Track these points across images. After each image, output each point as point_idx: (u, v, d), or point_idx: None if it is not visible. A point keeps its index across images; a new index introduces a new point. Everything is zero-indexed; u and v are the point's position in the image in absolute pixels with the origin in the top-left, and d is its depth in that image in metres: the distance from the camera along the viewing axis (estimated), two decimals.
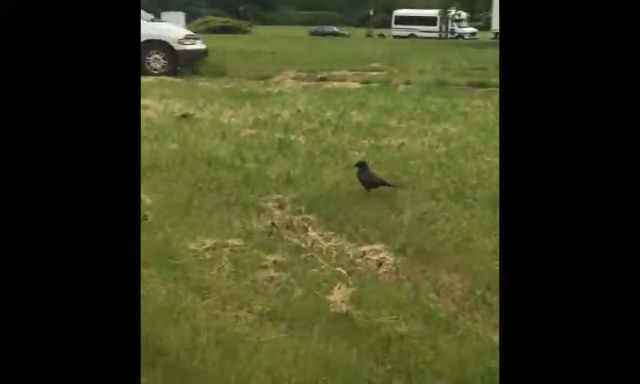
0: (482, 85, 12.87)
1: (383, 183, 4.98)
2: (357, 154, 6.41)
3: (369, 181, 4.95)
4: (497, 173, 4.09)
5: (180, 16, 67.68)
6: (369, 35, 56.53)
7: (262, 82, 13.32)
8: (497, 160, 5.03)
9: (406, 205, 4.62)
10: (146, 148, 6.03)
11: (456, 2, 40.40)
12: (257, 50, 25.95)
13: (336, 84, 13.49)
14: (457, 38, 48.96)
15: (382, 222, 4.27)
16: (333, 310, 3.05)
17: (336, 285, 3.31)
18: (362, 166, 5.06)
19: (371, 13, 69.48)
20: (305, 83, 13.59)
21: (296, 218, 4.26)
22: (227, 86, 11.99)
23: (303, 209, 4.44)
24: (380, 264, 3.59)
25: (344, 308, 3.05)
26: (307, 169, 5.62)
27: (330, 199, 4.73)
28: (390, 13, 57.72)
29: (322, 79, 14.06)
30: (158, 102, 9.59)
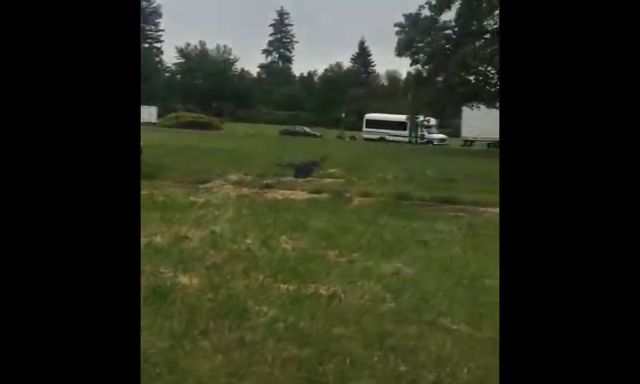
0: (448, 200, 11.16)
1: None
2: (265, 310, 4.43)
3: None
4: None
5: (152, 110, 67.19)
6: (339, 137, 56.14)
7: (194, 187, 11.42)
8: (469, 328, 4.13)
9: None
10: None
11: (425, 109, 40.04)
12: (215, 148, 24.40)
13: (283, 192, 11.66)
14: (426, 143, 48.57)
15: None
16: None
17: None
18: None
19: (343, 115, 69.80)
20: (245, 190, 11.73)
21: None
22: (143, 192, 10.02)
23: None
24: None
25: None
26: (165, 353, 3.56)
27: None
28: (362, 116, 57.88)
29: (268, 186, 12.24)
30: None
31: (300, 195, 11.27)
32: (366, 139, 51.82)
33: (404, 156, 27.09)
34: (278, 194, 11.25)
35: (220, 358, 3.56)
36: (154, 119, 64.57)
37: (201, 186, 11.60)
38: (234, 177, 14.21)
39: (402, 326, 4.35)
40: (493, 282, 5.55)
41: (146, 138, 30.41)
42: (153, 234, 6.73)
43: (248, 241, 6.52)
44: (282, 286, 5.11)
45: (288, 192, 11.65)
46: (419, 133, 49.95)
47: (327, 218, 8.33)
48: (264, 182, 12.73)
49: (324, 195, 11.22)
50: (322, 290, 5.00)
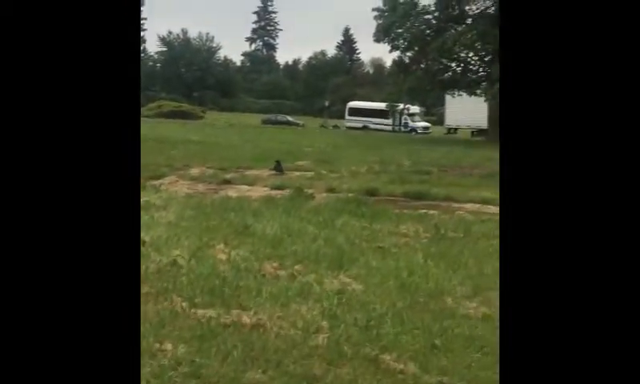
0: (419, 196, 10.34)
1: None
2: (168, 349, 3.59)
3: None
4: None
5: None
6: (323, 126, 55.14)
7: (146, 183, 10.48)
8: (415, 368, 3.52)
9: None
10: None
11: (406, 96, 38.94)
12: (183, 139, 23.42)
13: (240, 188, 10.78)
14: (410, 132, 47.71)
15: None
16: None
17: None
18: None
19: (326, 104, 68.74)
20: (202, 186, 10.84)
21: None
22: None
23: None
24: None
25: None
26: None
27: None
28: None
29: (227, 182, 11.35)
30: None
31: (258, 192, 10.38)
32: (349, 128, 50.98)
33: (383, 145, 26.27)
34: (235, 191, 10.36)
35: None
36: None
37: (153, 182, 10.66)
38: (195, 171, 13.31)
39: (334, 366, 3.53)
40: (453, 301, 4.75)
41: None
42: None
43: (177, 252, 5.64)
44: (199, 312, 4.26)
45: (246, 188, 10.78)
46: (403, 121, 49.04)
47: (279, 220, 7.46)
48: (223, 177, 11.82)
49: (285, 192, 10.34)
50: (246, 318, 4.16)
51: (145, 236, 6.16)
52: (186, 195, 9.26)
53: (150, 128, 32.64)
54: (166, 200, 8.40)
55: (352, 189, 10.89)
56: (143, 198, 8.20)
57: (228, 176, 12.00)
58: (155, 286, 4.72)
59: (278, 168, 13.32)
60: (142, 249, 5.70)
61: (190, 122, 46.59)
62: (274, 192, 10.43)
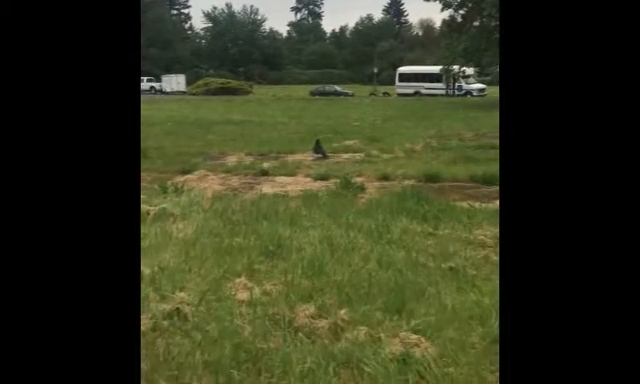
0: (490, 180, 8.63)
1: None
2: None
3: None
4: None
5: (181, 78, 65.36)
6: (372, 94, 53.08)
7: (172, 178, 9.18)
8: None
9: None
10: None
11: (460, 58, 36.11)
12: (225, 120, 22.14)
13: (279, 180, 9.35)
14: (465, 95, 45.09)
15: None
16: None
17: None
18: None
19: (375, 70, 66.41)
20: (236, 180, 9.47)
21: None
22: None
23: None
24: None
25: None
26: None
27: None
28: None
29: (264, 173, 9.93)
30: None
31: (299, 184, 8.93)
32: (400, 95, 48.90)
33: (438, 113, 24.27)
34: (272, 185, 8.93)
35: None
36: (182, 88, 62.80)
37: (180, 178, 9.36)
38: (231, 159, 11.97)
39: None
40: None
41: (159, 110, 28.61)
42: None
43: (182, 294, 4.26)
44: None
45: (286, 180, 9.32)
46: (456, 84, 46.39)
47: (321, 228, 5.99)
48: (261, 167, 10.41)
49: (330, 182, 8.84)
50: None
51: (148, 265, 4.82)
52: (213, 196, 7.89)
53: (193, 108, 31.73)
54: (188, 205, 7.03)
55: (408, 174, 9.28)
56: (159, 205, 6.89)
57: (267, 165, 10.56)
58: (145, 361, 3.35)
59: (319, 149, 11.83)
60: (142, 286, 4.36)
61: (236, 98, 45.50)
62: (317, 184, 8.95)
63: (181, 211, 6.74)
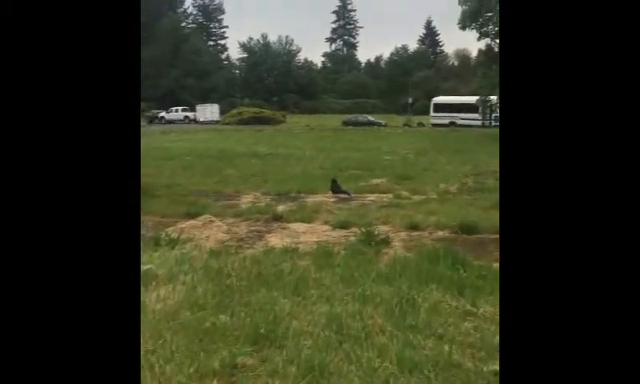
0: None
1: None
2: None
3: None
4: None
5: (215, 108, 65.42)
6: (406, 125, 51.89)
7: (173, 225, 8.12)
8: None
9: None
10: None
11: (497, 89, 34.75)
12: (249, 152, 21.20)
13: (292, 228, 8.20)
14: None
15: None
16: None
17: None
18: None
19: (409, 101, 65.34)
20: (243, 228, 8.35)
21: None
22: None
23: None
24: None
25: None
26: None
27: None
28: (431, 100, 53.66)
29: (277, 219, 8.80)
30: None
31: (315, 234, 7.76)
32: (435, 125, 47.62)
33: (474, 146, 22.92)
34: (283, 235, 7.77)
35: None
36: (216, 117, 62.76)
37: (181, 224, 8.29)
38: (246, 199, 10.91)
39: None
40: None
41: (185, 141, 27.86)
42: None
43: None
44: None
45: (302, 228, 8.16)
46: (493, 115, 44.90)
47: (329, 302, 4.80)
48: (276, 210, 9.29)
49: (350, 232, 7.65)
50: None
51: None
52: (211, 250, 6.77)
53: (222, 138, 31.01)
54: (178, 263, 5.94)
55: (441, 223, 8.03)
56: (145, 265, 5.79)
57: (281, 208, 9.44)
58: None
59: (337, 189, 10.76)
60: None
61: (268, 128, 44.91)
62: (335, 234, 7.77)
63: (167, 272, 5.64)
